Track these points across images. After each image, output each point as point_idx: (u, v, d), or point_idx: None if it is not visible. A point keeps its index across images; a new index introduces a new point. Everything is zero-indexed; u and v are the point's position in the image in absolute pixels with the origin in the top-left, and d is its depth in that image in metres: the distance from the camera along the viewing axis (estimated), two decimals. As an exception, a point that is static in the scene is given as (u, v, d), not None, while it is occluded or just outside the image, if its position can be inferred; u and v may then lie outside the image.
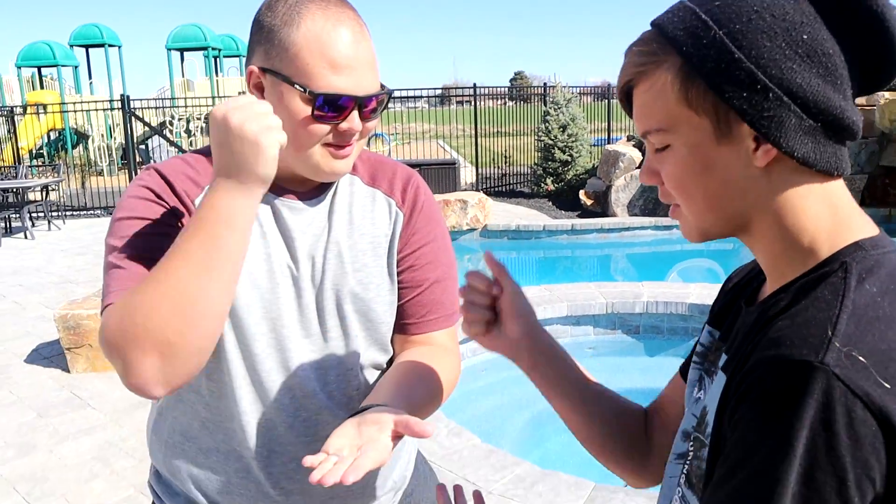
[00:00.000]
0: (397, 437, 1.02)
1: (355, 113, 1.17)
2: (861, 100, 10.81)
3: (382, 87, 1.22)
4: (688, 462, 0.90)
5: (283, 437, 1.27)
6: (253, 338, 1.24)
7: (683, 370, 1.07)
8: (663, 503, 0.96)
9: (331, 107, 1.15)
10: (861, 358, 0.68)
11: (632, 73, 0.84)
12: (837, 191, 0.82)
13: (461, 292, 1.11)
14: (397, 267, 1.34)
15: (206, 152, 1.30)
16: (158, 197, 1.21)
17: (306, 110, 1.15)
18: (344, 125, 1.17)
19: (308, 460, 0.95)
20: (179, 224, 1.20)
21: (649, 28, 0.84)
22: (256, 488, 1.29)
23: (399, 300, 1.35)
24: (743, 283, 0.99)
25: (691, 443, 0.90)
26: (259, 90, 1.19)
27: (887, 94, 10.51)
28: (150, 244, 1.15)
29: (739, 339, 0.84)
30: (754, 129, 0.77)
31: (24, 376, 5.23)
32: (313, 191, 1.30)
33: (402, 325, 1.36)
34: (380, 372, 1.36)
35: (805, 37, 0.76)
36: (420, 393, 1.21)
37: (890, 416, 0.66)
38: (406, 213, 1.35)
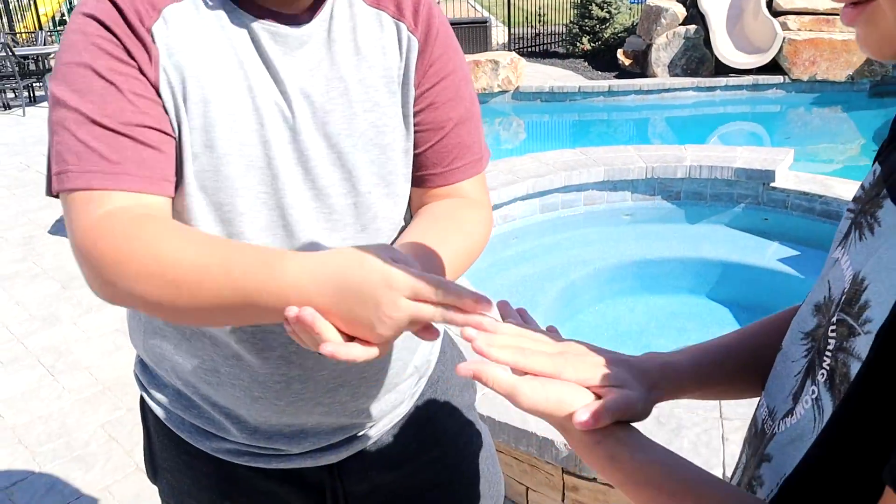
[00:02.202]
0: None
1: None
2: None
3: None
4: (829, 353, 0.63)
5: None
6: (237, 193, 0.99)
7: None
8: (777, 389, 0.72)
9: None
10: None
11: None
12: None
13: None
14: (415, 106, 1.09)
15: None
16: (105, 28, 0.93)
17: None
18: None
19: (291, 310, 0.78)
20: (133, 64, 0.93)
21: None
22: (250, 377, 1.09)
23: (418, 147, 1.11)
24: None
25: (833, 325, 0.64)
26: None
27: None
28: (105, 103, 0.91)
29: None
30: None
31: (48, 247, 5.16)
32: (301, 13, 1.02)
33: (424, 178, 1.13)
34: (397, 232, 1.13)
35: None
36: (442, 265, 0.99)
37: None
38: (420, 39, 1.08)
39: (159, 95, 0.95)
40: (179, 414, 1.19)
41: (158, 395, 1.21)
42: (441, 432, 1.31)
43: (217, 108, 0.96)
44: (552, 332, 0.82)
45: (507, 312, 0.86)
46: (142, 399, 1.27)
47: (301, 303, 0.79)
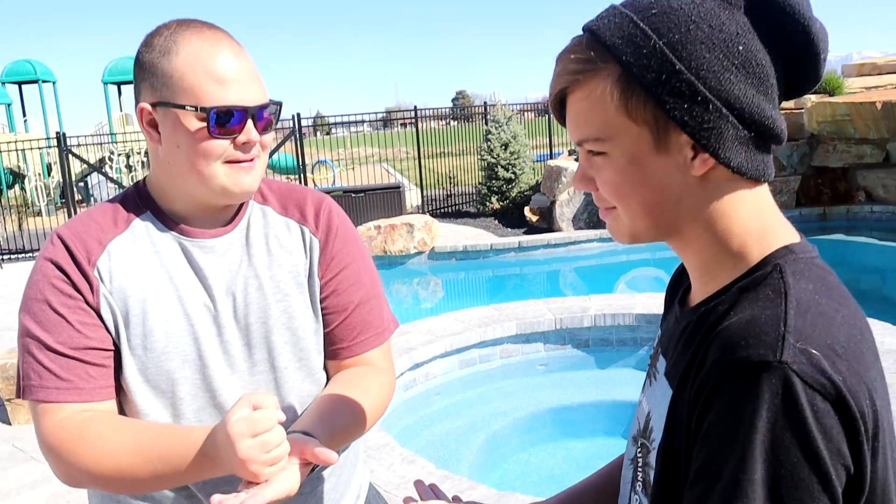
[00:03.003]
0: (307, 464, 1.07)
1: (250, 123, 1.20)
2: (789, 103, 11.16)
3: (271, 100, 1.24)
4: (639, 468, 0.91)
5: (218, 477, 1.27)
6: (176, 383, 1.24)
7: None
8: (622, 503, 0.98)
9: (224, 119, 1.17)
10: (814, 351, 0.70)
11: (567, 80, 0.83)
12: (763, 196, 0.84)
13: None
14: (321, 293, 1.35)
15: (118, 200, 1.31)
16: (62, 271, 1.22)
17: (201, 128, 1.17)
18: (241, 137, 1.19)
19: (216, 499, 0.99)
20: (80, 298, 1.21)
21: (582, 33, 0.83)
22: None
23: (327, 326, 1.36)
24: (675, 283, 1.01)
25: (638, 448, 0.91)
26: (153, 127, 1.21)
27: (813, 98, 10.86)
28: (59, 333, 1.19)
29: (681, 344, 0.86)
30: (694, 139, 0.78)
31: (-37, 432, 5.04)
32: (223, 226, 1.30)
33: (334, 351, 1.37)
34: (311, 399, 1.36)
35: (741, 48, 0.77)
36: (343, 418, 1.23)
37: (846, 403, 0.69)
38: (321, 239, 1.36)
39: (101, 318, 1.22)
40: None
41: None
42: None
43: (153, 317, 1.23)
44: (456, 500, 1.12)
45: (422, 490, 1.13)
46: None
47: (205, 457, 1.10)
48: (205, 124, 1.17)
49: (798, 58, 0.80)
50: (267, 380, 1.30)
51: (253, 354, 1.29)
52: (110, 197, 1.35)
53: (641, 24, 0.78)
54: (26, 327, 1.20)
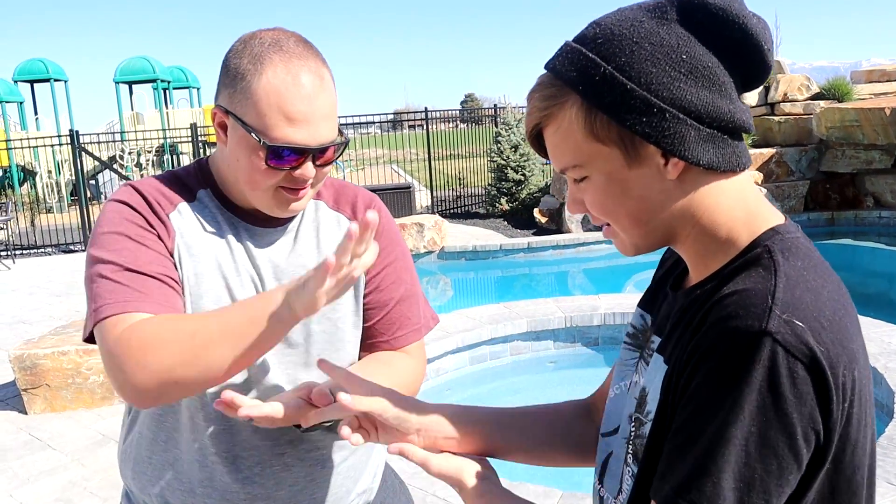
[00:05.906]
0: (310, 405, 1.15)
1: (309, 163, 1.23)
2: (798, 108, 11.18)
3: (341, 132, 1.27)
4: (630, 442, 0.97)
5: (248, 441, 1.33)
6: None
7: None
8: (611, 482, 1.02)
9: (284, 157, 1.21)
10: (799, 322, 0.76)
11: (538, 117, 0.90)
12: (744, 184, 0.90)
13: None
14: (364, 288, 1.40)
15: (181, 172, 1.36)
16: (135, 211, 1.26)
17: (261, 157, 1.20)
18: (297, 172, 1.23)
19: (227, 394, 1.13)
20: (155, 233, 1.26)
21: (544, 72, 0.90)
22: (221, 496, 1.34)
23: (367, 321, 1.41)
24: (670, 268, 1.07)
25: (632, 423, 0.97)
26: (222, 128, 1.25)
27: (823, 103, 10.88)
28: (136, 257, 1.21)
29: (671, 322, 0.92)
30: (660, 148, 0.84)
31: (-20, 421, 5.12)
32: (278, 217, 1.35)
33: (373, 345, 1.43)
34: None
35: (685, 56, 0.83)
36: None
37: (824, 373, 0.75)
38: None
39: (172, 258, 1.27)
40: None
41: None
42: None
43: (205, 279, 1.28)
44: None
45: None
46: None
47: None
48: (264, 155, 1.20)
49: (742, 54, 0.85)
50: (300, 363, 1.35)
51: (290, 337, 1.34)
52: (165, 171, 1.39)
53: (590, 55, 0.85)
54: (98, 257, 1.21)
